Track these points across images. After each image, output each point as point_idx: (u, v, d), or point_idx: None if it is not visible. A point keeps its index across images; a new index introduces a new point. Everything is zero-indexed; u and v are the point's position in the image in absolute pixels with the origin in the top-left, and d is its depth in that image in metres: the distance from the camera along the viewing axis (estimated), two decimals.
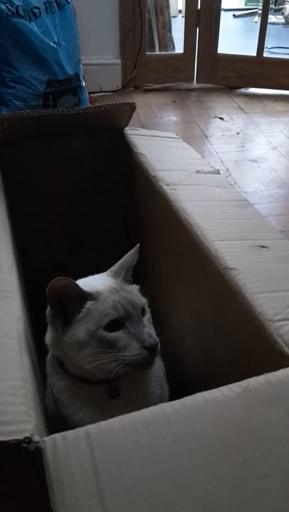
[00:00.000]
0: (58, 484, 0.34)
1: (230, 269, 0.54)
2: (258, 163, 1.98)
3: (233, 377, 0.41)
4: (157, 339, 0.57)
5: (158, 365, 0.66)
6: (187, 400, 0.39)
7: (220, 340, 0.61)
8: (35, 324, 0.62)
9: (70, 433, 0.36)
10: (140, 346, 0.55)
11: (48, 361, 0.63)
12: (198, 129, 2.29)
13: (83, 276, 0.64)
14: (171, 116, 2.45)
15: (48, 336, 0.61)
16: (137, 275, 0.66)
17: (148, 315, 0.61)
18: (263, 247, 0.59)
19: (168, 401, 0.39)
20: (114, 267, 0.64)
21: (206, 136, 2.22)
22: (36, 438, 0.35)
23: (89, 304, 0.57)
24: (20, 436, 0.35)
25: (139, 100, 2.59)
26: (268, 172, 1.90)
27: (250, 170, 1.92)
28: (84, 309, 0.56)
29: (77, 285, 0.57)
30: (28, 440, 0.35)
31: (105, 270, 0.65)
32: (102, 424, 0.37)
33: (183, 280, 0.72)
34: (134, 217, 0.91)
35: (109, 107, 0.79)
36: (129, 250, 0.65)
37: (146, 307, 0.61)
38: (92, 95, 2.34)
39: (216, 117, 2.43)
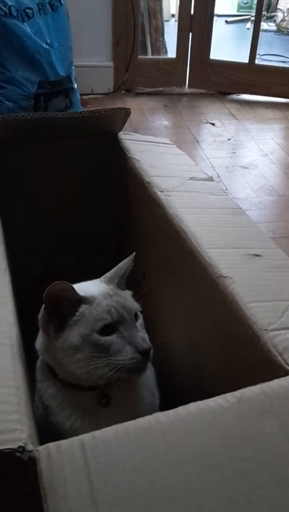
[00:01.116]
0: (52, 494, 0.33)
1: (225, 277, 0.54)
2: (248, 169, 1.99)
3: (225, 387, 0.42)
4: (150, 344, 0.57)
5: (149, 373, 0.66)
6: (181, 409, 0.39)
7: (212, 348, 0.61)
8: (25, 330, 0.61)
9: (64, 442, 0.36)
10: (134, 350, 0.55)
11: (38, 367, 0.62)
12: (190, 134, 2.30)
13: (76, 282, 0.63)
14: (163, 121, 2.46)
15: (39, 342, 0.60)
16: (128, 281, 0.66)
17: (141, 320, 0.61)
18: (257, 255, 0.59)
19: (158, 408, 0.39)
20: (108, 274, 0.64)
21: (197, 141, 2.23)
22: (30, 447, 0.35)
23: (83, 307, 0.57)
24: (14, 446, 0.35)
25: (131, 103, 2.59)
26: (259, 179, 1.91)
27: (241, 176, 1.94)
28: (78, 313, 0.56)
29: (74, 289, 0.57)
30: (22, 449, 0.35)
31: (98, 276, 0.65)
32: (97, 433, 0.37)
33: (175, 287, 0.72)
34: (127, 222, 0.91)
35: (104, 112, 0.78)
36: (122, 256, 0.65)
37: (139, 313, 0.61)
38: (83, 97, 2.33)
39: (207, 123, 2.44)
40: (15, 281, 0.68)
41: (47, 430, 0.58)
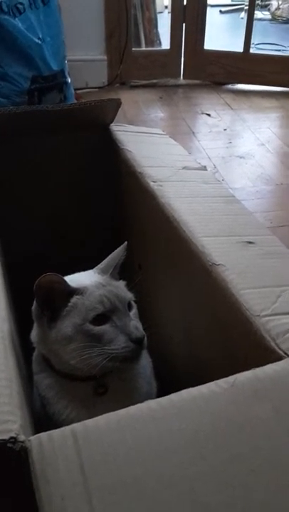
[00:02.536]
0: (44, 483, 0.33)
1: (218, 265, 0.54)
2: (245, 159, 1.98)
3: (222, 373, 0.41)
4: (144, 332, 0.57)
5: (145, 362, 0.66)
6: (174, 396, 0.39)
7: (207, 336, 0.61)
8: (21, 324, 0.62)
9: (55, 432, 0.36)
10: (127, 339, 0.55)
11: (34, 359, 0.63)
12: (186, 126, 2.29)
13: (71, 273, 0.63)
14: (158, 113, 2.45)
15: (34, 334, 0.61)
16: (124, 272, 0.66)
17: (134, 310, 0.61)
18: (250, 242, 0.59)
19: (156, 398, 0.39)
20: (101, 265, 0.64)
21: (193, 132, 2.22)
22: (22, 438, 0.35)
23: (75, 298, 0.57)
24: (6, 436, 0.35)
25: (126, 96, 2.58)
26: (256, 168, 1.91)
27: (238, 166, 1.93)
28: (70, 304, 0.56)
29: (64, 281, 0.57)
30: (14, 440, 0.35)
31: (92, 268, 0.65)
32: (88, 422, 0.37)
33: (170, 277, 0.71)
34: (121, 214, 0.91)
35: (95, 103, 0.78)
36: (117, 247, 0.65)
37: (133, 302, 0.61)
38: (78, 92, 2.32)
39: (203, 113, 2.43)
40: (11, 276, 0.68)
41: (46, 422, 0.58)
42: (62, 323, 0.56)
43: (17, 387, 0.40)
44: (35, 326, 0.60)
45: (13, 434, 0.35)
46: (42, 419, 0.58)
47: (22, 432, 0.35)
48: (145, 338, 0.56)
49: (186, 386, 0.40)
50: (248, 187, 1.77)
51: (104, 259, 0.65)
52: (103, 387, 0.58)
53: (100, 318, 0.56)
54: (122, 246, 0.65)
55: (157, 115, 2.42)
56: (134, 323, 0.57)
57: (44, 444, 0.35)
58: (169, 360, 0.73)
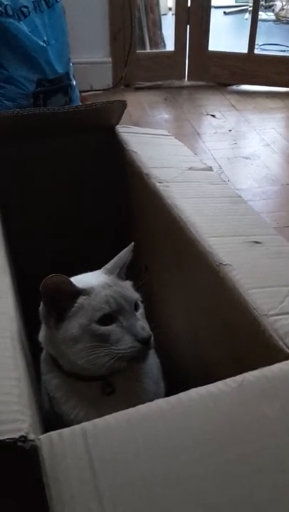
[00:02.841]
0: (54, 482, 0.34)
1: (225, 265, 0.54)
2: (250, 160, 1.98)
3: (228, 373, 0.42)
4: (150, 332, 0.57)
5: (153, 363, 0.66)
6: (182, 395, 0.39)
7: (215, 336, 0.61)
8: (30, 325, 0.62)
9: (65, 430, 0.36)
10: (133, 339, 0.55)
11: (42, 360, 0.63)
12: (191, 127, 2.29)
13: (77, 274, 0.64)
14: (163, 114, 2.45)
15: (42, 334, 0.61)
16: (131, 273, 0.66)
17: (141, 310, 0.61)
18: (257, 242, 0.59)
19: (164, 398, 0.39)
20: (108, 265, 0.65)
21: (198, 133, 2.23)
22: (32, 436, 0.35)
23: (82, 299, 0.57)
24: (16, 435, 0.35)
25: (131, 98, 2.59)
26: (261, 169, 1.91)
27: (243, 167, 1.93)
28: (77, 305, 0.57)
29: (70, 281, 0.57)
30: (24, 439, 0.35)
31: (99, 268, 0.65)
32: (98, 421, 0.37)
33: (177, 277, 0.72)
34: (127, 214, 0.91)
35: (100, 105, 0.78)
36: (123, 248, 0.65)
37: (140, 302, 0.61)
38: (83, 94, 2.33)
39: (208, 115, 2.43)
40: (18, 277, 0.68)
41: (54, 422, 0.58)
42: (69, 323, 0.56)
43: (26, 386, 0.41)
44: (42, 326, 0.61)
45: (23, 433, 0.35)
46: (51, 419, 0.59)
47: (32, 431, 0.36)
48: (152, 338, 0.56)
49: (194, 386, 0.40)
50: (254, 188, 1.77)
51: (110, 259, 0.65)
52: (111, 387, 0.58)
53: (107, 319, 0.56)
54: (128, 247, 0.65)
55: (162, 117, 2.43)
56: (140, 323, 0.57)
57: (54, 443, 0.35)
58: (177, 359, 0.73)
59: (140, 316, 0.59)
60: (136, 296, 0.61)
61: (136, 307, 0.60)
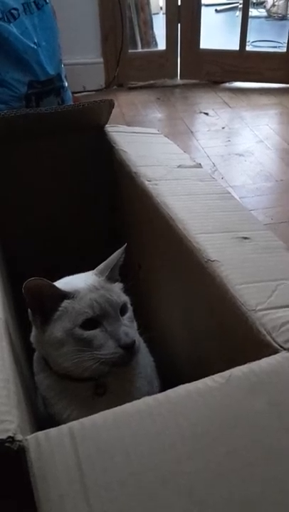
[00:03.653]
0: (42, 482, 0.34)
1: (213, 261, 0.54)
2: (244, 157, 1.98)
3: (218, 368, 0.42)
4: (134, 338, 0.56)
5: (146, 362, 0.66)
6: (170, 392, 0.39)
7: (207, 333, 0.61)
8: (28, 326, 0.62)
9: (53, 430, 0.36)
10: (116, 345, 0.55)
11: (35, 360, 0.63)
12: (184, 125, 2.29)
13: (69, 275, 0.64)
14: (156, 114, 2.45)
15: (33, 335, 0.61)
16: (125, 272, 0.66)
17: (129, 313, 0.60)
18: (245, 238, 0.59)
19: None
20: (100, 266, 0.64)
21: (191, 131, 2.22)
22: (19, 437, 0.35)
23: (66, 302, 0.57)
24: (3, 436, 0.35)
25: (124, 98, 2.59)
26: (255, 165, 1.91)
27: (237, 164, 1.93)
28: (61, 308, 0.56)
29: (52, 285, 0.57)
30: (11, 439, 0.35)
31: (91, 269, 0.65)
32: (85, 420, 0.37)
33: (169, 275, 0.72)
34: (118, 213, 0.91)
35: (88, 104, 0.78)
36: (116, 248, 0.65)
37: (129, 305, 0.61)
38: (76, 95, 2.33)
39: (201, 113, 2.43)
40: (13, 278, 0.68)
41: (48, 422, 0.58)
42: (54, 326, 0.56)
43: (14, 387, 0.41)
44: (33, 327, 0.61)
45: (10, 434, 0.35)
46: (45, 420, 0.59)
47: (20, 432, 0.36)
48: (136, 344, 0.56)
49: (187, 382, 0.40)
50: (248, 184, 1.77)
51: (103, 258, 0.65)
52: (103, 388, 0.58)
53: (90, 323, 0.56)
54: (121, 248, 0.65)
55: (155, 116, 2.43)
56: (124, 328, 0.56)
57: (41, 443, 0.35)
58: (170, 357, 0.73)
59: (127, 320, 0.59)
60: (123, 299, 0.60)
61: (123, 311, 0.59)
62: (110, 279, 0.63)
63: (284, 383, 0.40)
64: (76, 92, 2.42)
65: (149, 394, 0.62)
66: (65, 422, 0.55)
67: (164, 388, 0.67)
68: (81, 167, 0.89)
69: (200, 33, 2.72)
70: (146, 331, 0.64)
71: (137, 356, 0.58)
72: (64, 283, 0.58)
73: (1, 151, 0.82)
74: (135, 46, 2.88)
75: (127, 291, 0.63)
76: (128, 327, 0.58)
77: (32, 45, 1.79)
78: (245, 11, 2.70)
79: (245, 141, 2.13)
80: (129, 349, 0.55)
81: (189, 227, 0.61)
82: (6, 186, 0.85)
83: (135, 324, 0.61)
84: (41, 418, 0.59)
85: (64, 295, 0.57)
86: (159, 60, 2.79)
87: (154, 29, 2.96)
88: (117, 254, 0.65)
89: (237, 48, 2.72)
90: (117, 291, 0.61)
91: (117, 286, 0.62)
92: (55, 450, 0.35)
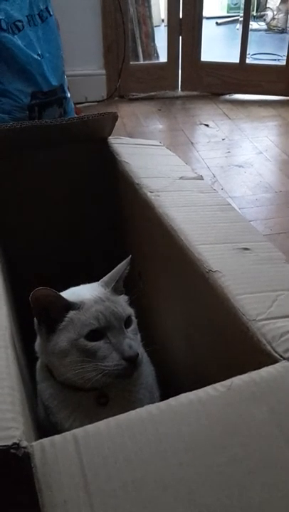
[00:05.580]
0: (46, 488, 0.34)
1: (214, 271, 0.55)
2: (244, 168, 2.00)
3: (219, 377, 0.42)
4: (138, 351, 0.57)
5: (148, 372, 0.66)
6: (172, 400, 0.40)
7: (207, 342, 0.61)
8: (30, 335, 0.63)
9: (57, 437, 0.37)
10: (120, 357, 0.55)
11: (38, 368, 0.64)
12: (184, 137, 2.32)
13: (73, 286, 0.64)
14: (157, 125, 2.48)
15: (37, 343, 0.62)
16: (126, 282, 0.67)
17: (133, 326, 0.61)
18: (246, 249, 0.60)
19: None
20: (105, 278, 0.65)
21: (192, 143, 2.24)
22: (24, 443, 0.36)
23: (72, 313, 0.57)
24: (9, 442, 0.35)
25: (125, 109, 2.61)
26: (254, 177, 1.92)
27: (237, 175, 1.94)
28: (66, 318, 0.57)
29: (59, 295, 0.57)
30: (17, 446, 0.35)
31: (94, 279, 0.66)
32: (89, 427, 0.37)
33: (170, 285, 0.72)
34: (120, 225, 0.92)
35: (92, 117, 0.80)
36: (118, 258, 0.66)
37: (133, 318, 0.62)
38: (77, 106, 2.35)
39: (201, 124, 2.46)
40: (15, 288, 0.69)
41: (50, 431, 0.58)
42: (59, 336, 0.57)
43: (19, 394, 0.41)
44: (38, 336, 0.61)
45: (15, 440, 0.36)
46: (47, 428, 0.59)
47: (24, 438, 0.36)
48: (139, 356, 0.57)
49: (187, 391, 0.41)
50: (248, 195, 1.78)
51: (104, 267, 0.66)
52: (105, 398, 0.59)
53: (95, 334, 0.56)
54: (126, 260, 0.65)
55: (156, 127, 2.45)
56: (128, 341, 0.57)
57: (46, 450, 0.36)
58: (171, 366, 0.74)
59: (131, 333, 0.59)
60: (128, 312, 0.61)
61: (128, 323, 0.60)
62: (115, 290, 0.63)
63: (284, 392, 0.40)
64: (78, 103, 2.44)
65: (150, 403, 0.64)
66: (67, 431, 0.57)
67: (163, 397, 0.68)
68: (84, 178, 0.90)
69: (201, 46, 2.75)
70: (149, 345, 0.64)
71: (140, 368, 0.58)
72: (70, 293, 0.59)
73: (6, 163, 0.83)
74: (137, 58, 2.91)
75: (131, 303, 0.64)
76: (132, 339, 0.58)
77: (36, 57, 1.82)
78: (245, 24, 2.74)
79: (245, 152, 2.15)
80: (133, 361, 0.56)
81: (190, 238, 0.62)
82: (7, 196, 0.86)
83: (139, 337, 0.62)
84: (41, 426, 0.60)
85: (70, 305, 0.58)
86: (160, 72, 2.82)
87: (156, 41, 3.00)
88: (121, 266, 0.65)
89: (237, 60, 2.75)
90: (122, 304, 0.61)
91: (123, 299, 0.63)
92: (60, 457, 0.36)
